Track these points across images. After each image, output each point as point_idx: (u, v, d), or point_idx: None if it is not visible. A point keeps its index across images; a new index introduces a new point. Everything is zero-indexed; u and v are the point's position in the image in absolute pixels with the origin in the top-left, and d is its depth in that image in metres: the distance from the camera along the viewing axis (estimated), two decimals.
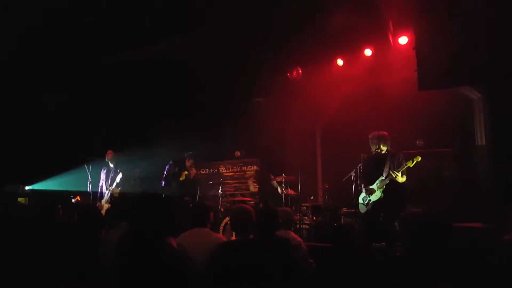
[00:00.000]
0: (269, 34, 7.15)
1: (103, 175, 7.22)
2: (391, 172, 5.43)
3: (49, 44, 6.97)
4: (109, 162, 7.22)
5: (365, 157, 6.00)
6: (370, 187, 5.67)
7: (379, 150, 5.64)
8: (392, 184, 5.45)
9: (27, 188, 8.38)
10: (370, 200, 5.66)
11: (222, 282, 1.59)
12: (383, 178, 5.51)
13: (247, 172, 8.93)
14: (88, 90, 8.03)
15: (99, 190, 7.19)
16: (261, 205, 7.33)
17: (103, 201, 7.02)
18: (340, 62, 8.32)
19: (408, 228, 2.47)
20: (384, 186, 5.50)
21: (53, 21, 6.33)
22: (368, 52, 7.87)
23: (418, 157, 5.41)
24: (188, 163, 7.41)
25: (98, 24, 6.52)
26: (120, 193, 6.80)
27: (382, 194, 5.52)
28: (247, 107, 8.85)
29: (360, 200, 5.82)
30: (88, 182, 7.36)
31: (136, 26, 6.84)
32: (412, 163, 5.37)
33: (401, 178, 5.41)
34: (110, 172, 7.14)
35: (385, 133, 5.70)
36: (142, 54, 7.53)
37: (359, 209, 5.91)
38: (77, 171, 7.78)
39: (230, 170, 9.30)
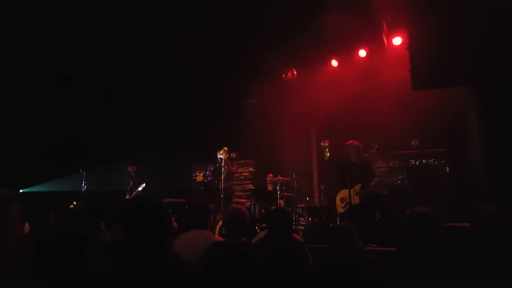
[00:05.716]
0: (264, 35, 7.14)
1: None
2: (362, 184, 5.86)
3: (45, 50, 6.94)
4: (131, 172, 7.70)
5: (335, 161, 6.28)
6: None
7: (352, 158, 6.05)
8: (367, 190, 5.88)
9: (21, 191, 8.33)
10: (347, 203, 5.91)
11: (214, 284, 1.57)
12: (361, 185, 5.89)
13: (243, 174, 8.90)
14: (80, 94, 8.00)
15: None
16: (257, 206, 7.31)
17: None
18: (334, 63, 8.33)
19: (418, 227, 2.52)
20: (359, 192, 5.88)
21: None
22: (362, 53, 7.88)
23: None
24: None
25: (91, 27, 6.48)
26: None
27: (359, 199, 5.87)
28: (242, 109, 8.83)
29: (338, 201, 6.13)
30: (83, 184, 7.36)
31: (131, 28, 6.80)
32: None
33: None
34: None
35: (359, 143, 6.17)
36: (135, 56, 7.50)
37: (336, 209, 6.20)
38: (71, 175, 7.78)
39: None
